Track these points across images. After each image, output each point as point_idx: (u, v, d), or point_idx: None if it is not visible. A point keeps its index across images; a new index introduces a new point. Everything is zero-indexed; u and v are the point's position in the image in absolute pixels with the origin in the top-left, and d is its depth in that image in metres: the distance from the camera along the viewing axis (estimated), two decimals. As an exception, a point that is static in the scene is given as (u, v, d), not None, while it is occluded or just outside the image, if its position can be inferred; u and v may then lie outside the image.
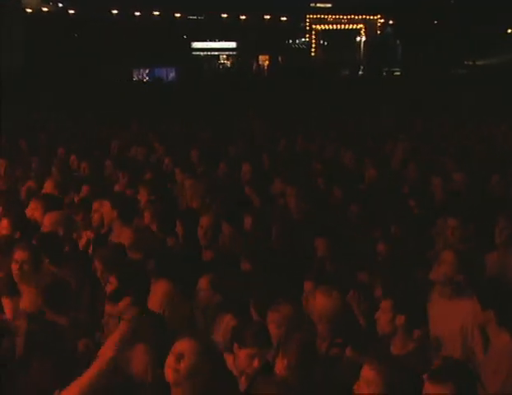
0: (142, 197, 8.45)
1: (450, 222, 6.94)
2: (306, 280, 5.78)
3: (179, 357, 4.01)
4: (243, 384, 4.58)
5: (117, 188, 9.50)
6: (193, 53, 53.52)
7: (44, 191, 8.83)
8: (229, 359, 4.73)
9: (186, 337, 4.11)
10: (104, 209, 7.50)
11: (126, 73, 41.08)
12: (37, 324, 4.90)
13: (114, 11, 50.18)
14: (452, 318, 5.50)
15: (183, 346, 4.05)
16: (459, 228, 6.88)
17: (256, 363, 4.58)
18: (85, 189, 8.82)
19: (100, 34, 44.60)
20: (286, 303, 5.12)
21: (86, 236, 7.59)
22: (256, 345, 4.63)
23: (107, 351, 4.14)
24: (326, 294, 5.17)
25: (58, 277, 5.77)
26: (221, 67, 54.31)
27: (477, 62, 48.63)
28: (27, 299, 5.79)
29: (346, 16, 55.06)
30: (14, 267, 6.06)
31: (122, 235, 6.99)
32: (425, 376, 3.95)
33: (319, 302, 5.15)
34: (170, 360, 4.04)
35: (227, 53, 55.31)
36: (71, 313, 5.43)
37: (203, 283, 5.73)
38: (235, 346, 4.69)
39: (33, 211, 7.79)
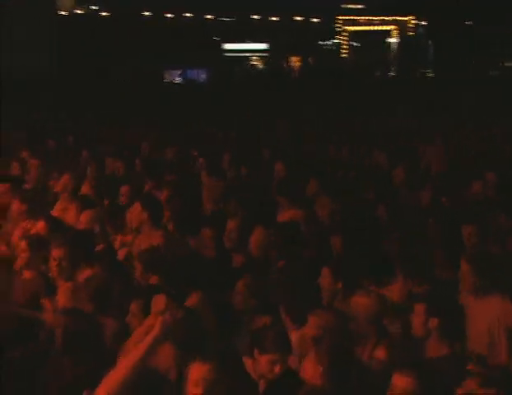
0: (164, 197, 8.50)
1: (465, 229, 6.92)
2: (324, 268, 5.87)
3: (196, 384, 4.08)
4: (262, 388, 4.62)
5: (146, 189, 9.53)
6: (224, 54, 53.66)
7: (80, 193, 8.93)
8: (248, 362, 4.76)
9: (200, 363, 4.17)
10: (134, 211, 7.56)
11: (157, 74, 41.32)
12: (74, 319, 4.99)
13: (146, 13, 50.49)
14: (479, 318, 5.50)
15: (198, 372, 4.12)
16: (475, 234, 6.85)
17: (277, 369, 4.59)
18: (123, 190, 8.84)
19: (132, 35, 44.90)
20: (326, 310, 5.18)
21: (120, 236, 7.67)
22: (277, 350, 4.62)
23: (138, 349, 4.21)
24: (365, 295, 5.22)
25: (107, 279, 5.88)
26: (252, 68, 54.38)
27: (506, 64, 48.21)
28: (65, 294, 5.92)
29: (378, 17, 54.87)
30: (52, 263, 6.23)
31: (152, 238, 7.07)
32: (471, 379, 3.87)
33: (361, 303, 5.17)
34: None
35: (258, 54, 55.37)
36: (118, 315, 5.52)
37: (239, 286, 5.78)
38: (256, 351, 4.68)
39: (62, 211, 7.90)
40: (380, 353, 4.95)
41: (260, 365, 4.63)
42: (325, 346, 4.53)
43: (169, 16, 51.31)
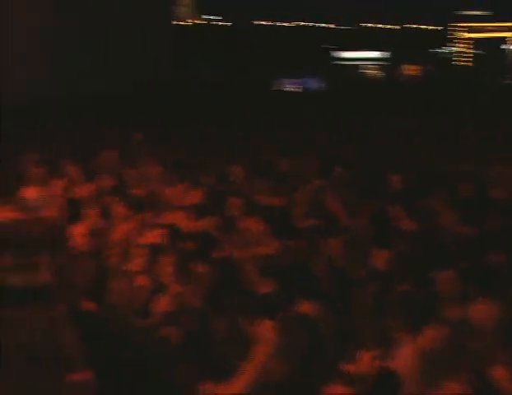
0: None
1: None
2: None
3: None
4: (363, 388, 4.60)
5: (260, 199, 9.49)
6: (337, 62, 53.60)
7: (193, 201, 9.02)
8: (349, 368, 4.77)
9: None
10: (250, 220, 7.60)
11: (271, 83, 41.65)
12: (187, 321, 5.03)
13: (262, 22, 51.03)
14: None
15: None
16: None
17: (378, 364, 4.66)
18: (237, 202, 8.84)
19: (247, 44, 45.49)
20: (445, 323, 5.06)
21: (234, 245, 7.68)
22: (379, 347, 4.73)
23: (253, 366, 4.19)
24: (487, 303, 5.13)
25: (220, 283, 5.93)
26: (365, 76, 54.07)
27: None
28: (176, 298, 5.98)
29: (497, 23, 53.50)
30: (166, 269, 6.29)
31: (267, 247, 7.06)
32: None
33: (484, 311, 5.08)
34: None
35: (372, 62, 55.03)
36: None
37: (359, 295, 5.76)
38: (359, 352, 4.75)
39: (178, 219, 7.99)
40: (503, 367, 4.76)
41: (362, 364, 4.70)
42: (463, 366, 4.43)
43: (283, 24, 51.69)
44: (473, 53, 53.73)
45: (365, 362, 4.68)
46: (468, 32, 53.14)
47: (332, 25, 52.87)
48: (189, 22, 47.83)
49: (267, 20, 50.47)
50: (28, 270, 6.70)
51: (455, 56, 53.77)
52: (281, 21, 50.85)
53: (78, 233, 7.73)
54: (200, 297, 5.82)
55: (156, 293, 6.27)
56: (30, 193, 9.44)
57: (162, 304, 6.06)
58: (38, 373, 4.61)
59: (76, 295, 6.17)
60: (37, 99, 19.88)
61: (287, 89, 44.39)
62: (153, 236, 7.28)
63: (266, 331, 5.06)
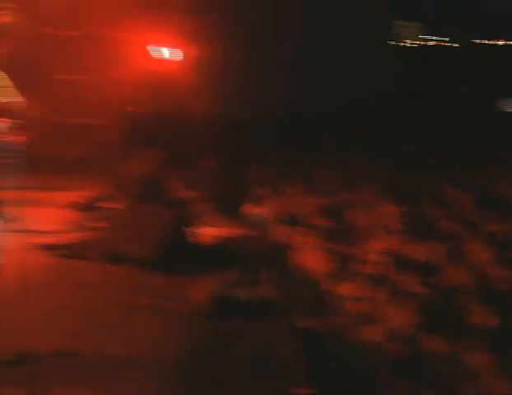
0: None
1: None
2: None
3: None
4: None
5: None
6: None
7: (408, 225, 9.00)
8: None
9: None
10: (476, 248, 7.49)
11: (498, 104, 40.22)
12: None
13: (488, 42, 49.61)
14: None
15: None
16: None
17: None
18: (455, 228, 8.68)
19: (472, 65, 44.39)
20: None
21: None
22: None
23: None
24: None
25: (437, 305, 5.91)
26: None
27: None
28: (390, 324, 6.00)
29: None
30: (379, 294, 6.38)
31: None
32: None
33: None
34: None
35: None
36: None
37: None
38: None
39: (396, 244, 7.99)
40: None
41: None
42: None
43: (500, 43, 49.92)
44: None
45: None
46: None
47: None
48: (411, 43, 47.52)
49: (493, 40, 48.92)
50: (253, 284, 7.01)
51: None
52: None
53: (301, 251, 7.94)
54: (416, 324, 5.76)
55: (371, 317, 6.31)
56: (255, 210, 9.85)
57: (377, 329, 6.10)
58: (262, 385, 4.77)
59: (297, 310, 6.34)
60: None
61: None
62: (370, 261, 7.35)
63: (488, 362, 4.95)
